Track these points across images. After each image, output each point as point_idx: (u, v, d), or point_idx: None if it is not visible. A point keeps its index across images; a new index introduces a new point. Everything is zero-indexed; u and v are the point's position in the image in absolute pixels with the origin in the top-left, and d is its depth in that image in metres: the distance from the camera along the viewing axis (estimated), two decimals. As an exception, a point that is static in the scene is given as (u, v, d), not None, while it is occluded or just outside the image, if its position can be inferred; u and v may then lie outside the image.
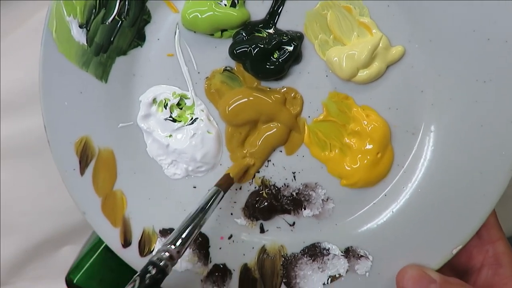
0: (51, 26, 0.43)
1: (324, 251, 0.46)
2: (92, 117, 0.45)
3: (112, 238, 0.47)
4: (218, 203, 0.42)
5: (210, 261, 0.47)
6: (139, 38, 0.45)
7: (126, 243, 0.47)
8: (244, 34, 0.43)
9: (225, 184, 0.43)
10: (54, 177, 0.57)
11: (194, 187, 0.47)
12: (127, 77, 0.45)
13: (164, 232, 0.47)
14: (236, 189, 0.47)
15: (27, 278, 0.62)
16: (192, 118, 0.46)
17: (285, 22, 0.44)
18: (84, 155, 0.45)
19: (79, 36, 0.43)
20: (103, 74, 0.45)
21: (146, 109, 0.46)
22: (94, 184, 0.46)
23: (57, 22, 0.43)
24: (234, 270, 0.47)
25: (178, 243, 0.38)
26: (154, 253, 0.41)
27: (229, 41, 0.44)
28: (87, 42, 0.44)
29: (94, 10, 0.43)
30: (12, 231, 0.60)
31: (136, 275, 0.36)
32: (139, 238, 0.47)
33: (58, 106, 0.44)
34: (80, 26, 0.43)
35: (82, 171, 0.46)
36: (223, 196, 0.42)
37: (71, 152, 0.45)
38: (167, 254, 0.37)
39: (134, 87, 0.46)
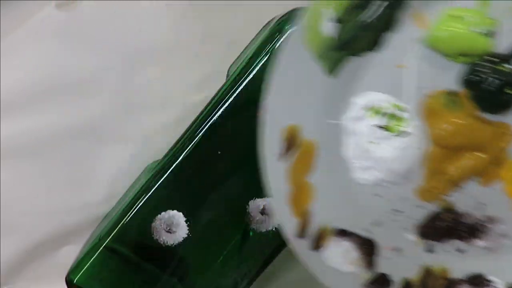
0: (306, 15, 0.42)
1: (488, 283, 0.47)
2: (307, 108, 0.45)
3: (289, 227, 0.47)
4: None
5: (374, 269, 0.48)
6: (376, 44, 0.45)
7: (302, 234, 0.47)
8: (483, 64, 0.44)
9: None
10: (54, 177, 0.59)
11: (379, 196, 0.48)
12: (352, 77, 0.45)
13: (339, 233, 0.48)
14: (417, 206, 0.48)
15: (27, 278, 0.61)
16: (402, 131, 0.46)
17: (525, 60, 0.44)
18: (289, 143, 0.46)
19: (328, 29, 0.43)
20: (333, 69, 0.45)
21: (358, 112, 0.46)
22: (290, 172, 0.46)
23: (312, 11, 0.42)
24: (395, 282, 0.48)
25: None
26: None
27: (462, 66, 0.44)
28: (333, 37, 0.44)
29: (350, 8, 0.43)
30: (12, 231, 0.58)
31: None
32: (314, 233, 0.48)
33: (281, 91, 0.44)
34: (333, 20, 0.43)
35: (282, 158, 0.46)
36: None
37: (277, 137, 0.45)
38: None
39: (355, 88, 0.46)
